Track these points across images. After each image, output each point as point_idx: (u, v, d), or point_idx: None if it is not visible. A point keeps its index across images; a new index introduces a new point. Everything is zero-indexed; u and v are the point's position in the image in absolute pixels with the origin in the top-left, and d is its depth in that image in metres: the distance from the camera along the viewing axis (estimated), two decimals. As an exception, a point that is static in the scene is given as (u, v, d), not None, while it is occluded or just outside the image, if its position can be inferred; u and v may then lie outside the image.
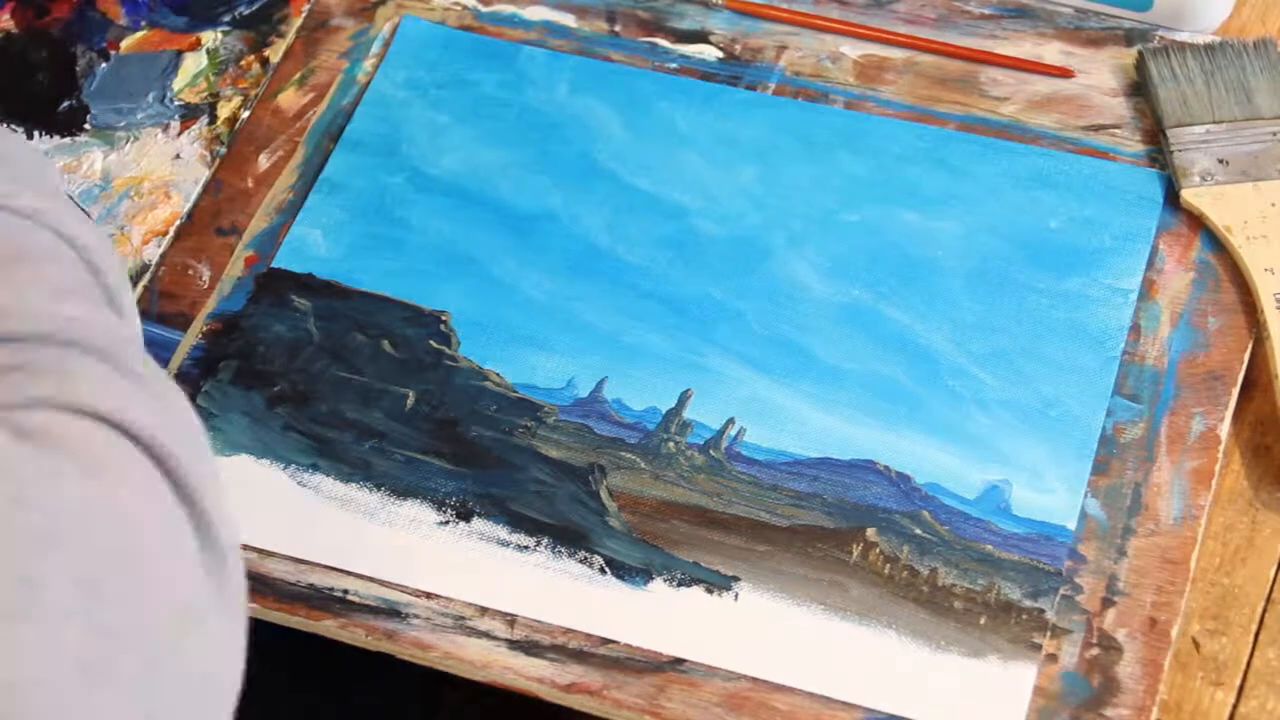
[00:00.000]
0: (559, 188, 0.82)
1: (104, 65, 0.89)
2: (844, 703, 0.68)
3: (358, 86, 0.87)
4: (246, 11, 0.90)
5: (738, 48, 0.86)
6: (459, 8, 0.89)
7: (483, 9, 0.88)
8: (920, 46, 0.85)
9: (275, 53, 0.88)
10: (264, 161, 0.85)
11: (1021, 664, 0.68)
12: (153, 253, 0.83)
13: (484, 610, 0.72)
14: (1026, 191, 0.80)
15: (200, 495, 0.51)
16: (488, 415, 0.76)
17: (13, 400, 0.48)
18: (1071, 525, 0.71)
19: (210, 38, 0.89)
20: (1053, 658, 0.68)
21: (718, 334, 0.77)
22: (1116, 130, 0.81)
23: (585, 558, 0.72)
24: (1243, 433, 0.74)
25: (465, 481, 0.75)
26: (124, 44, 0.90)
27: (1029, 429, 0.73)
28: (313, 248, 0.82)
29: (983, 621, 0.69)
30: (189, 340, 0.80)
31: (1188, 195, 0.78)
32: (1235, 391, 0.74)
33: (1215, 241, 0.77)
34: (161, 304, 0.81)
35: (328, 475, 0.75)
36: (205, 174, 0.85)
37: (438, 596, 0.72)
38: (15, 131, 0.72)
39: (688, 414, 0.75)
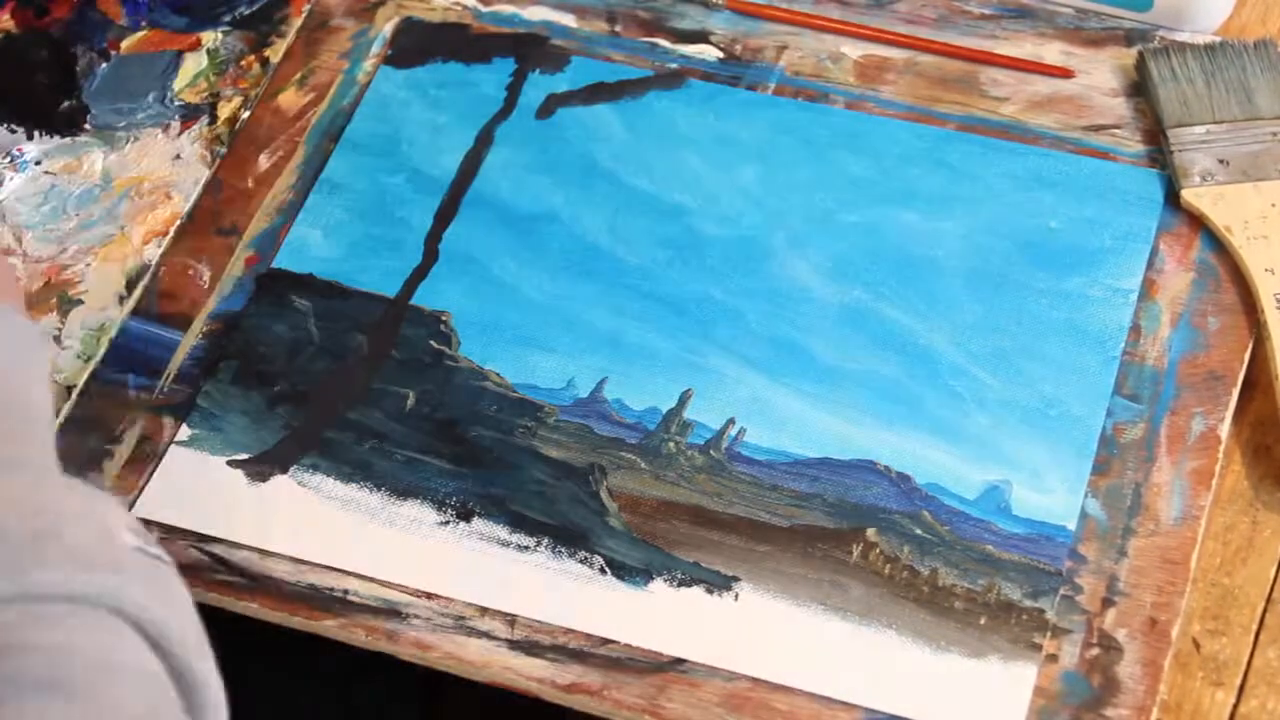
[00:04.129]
0: (559, 188, 0.82)
1: (104, 65, 0.89)
2: (844, 703, 0.68)
3: (358, 86, 0.87)
4: (247, 11, 0.90)
5: (738, 48, 0.86)
6: (459, 8, 0.89)
7: (483, 9, 0.89)
8: (920, 46, 0.85)
9: (275, 53, 0.88)
10: (264, 161, 0.85)
11: (1022, 664, 0.68)
12: (153, 253, 0.83)
13: (484, 610, 0.72)
14: (1026, 191, 0.80)
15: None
16: (488, 415, 0.76)
17: None
18: (1071, 525, 0.71)
19: (210, 38, 0.89)
20: (1053, 658, 0.68)
21: (718, 334, 0.77)
22: (1117, 130, 0.81)
23: (585, 558, 0.72)
24: (1243, 433, 0.74)
25: (465, 481, 0.75)
26: (124, 44, 0.90)
27: (1029, 429, 0.73)
28: (313, 248, 0.82)
29: (983, 621, 0.69)
30: (189, 340, 0.80)
31: (1188, 195, 0.78)
32: (1235, 391, 0.74)
33: (1215, 241, 0.77)
34: (162, 304, 0.81)
35: (328, 475, 0.75)
36: (205, 174, 0.85)
37: (438, 596, 0.72)
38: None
39: (688, 414, 0.75)
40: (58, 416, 0.78)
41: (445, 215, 0.82)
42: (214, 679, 0.57)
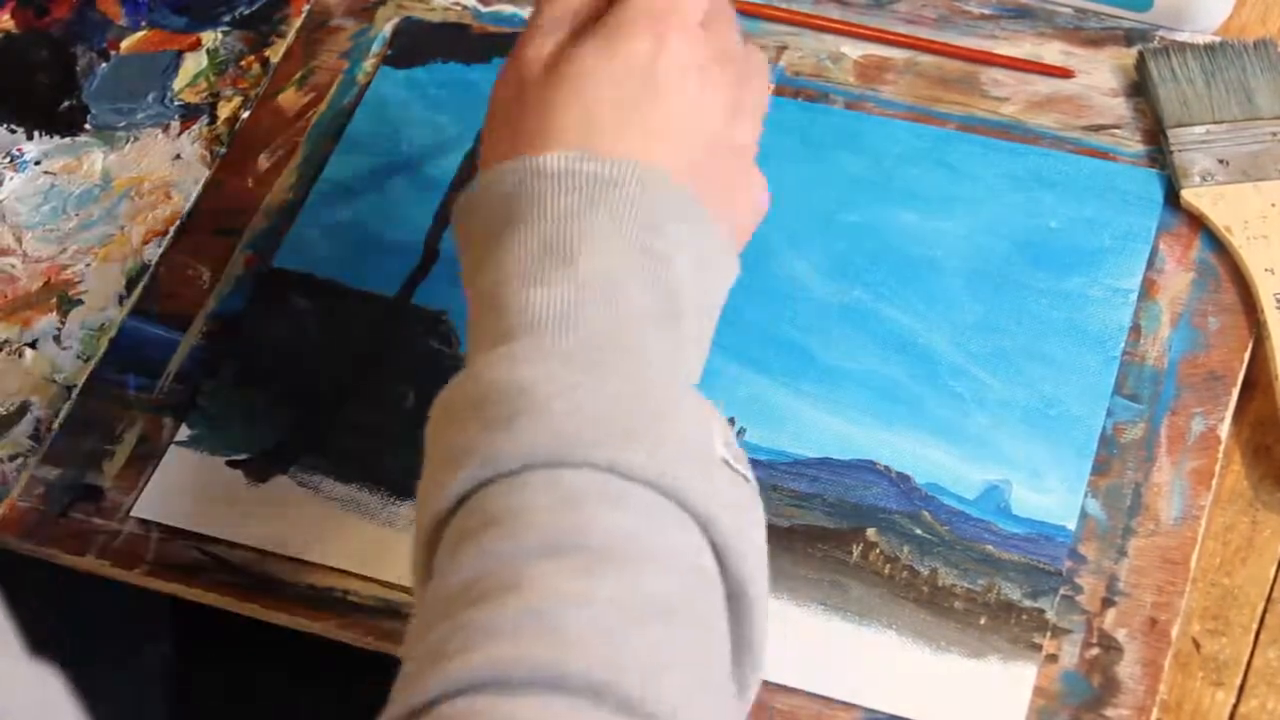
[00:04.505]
0: (559, 188, 0.82)
1: (104, 65, 0.89)
2: (844, 703, 0.68)
3: (358, 87, 0.87)
4: (247, 11, 0.90)
5: (738, 48, 0.85)
6: (459, 7, 0.89)
7: (483, 9, 0.88)
8: (920, 46, 0.85)
9: (275, 53, 0.88)
10: (264, 161, 0.85)
11: (1021, 664, 0.68)
12: (153, 253, 0.83)
13: (484, 610, 0.71)
14: (1026, 191, 0.80)
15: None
16: (488, 415, 0.76)
17: None
18: (1071, 525, 0.71)
19: (210, 38, 0.89)
20: (1053, 658, 0.68)
21: (718, 334, 0.77)
22: (1116, 130, 0.81)
23: (585, 558, 0.72)
24: (1243, 433, 0.74)
25: (465, 481, 0.74)
26: (124, 44, 0.90)
27: (1029, 429, 0.73)
28: (313, 248, 0.82)
29: (983, 621, 0.69)
30: (189, 340, 0.80)
31: (1188, 195, 0.78)
32: (1235, 391, 0.74)
33: (1215, 241, 0.77)
34: (161, 304, 0.81)
35: (328, 475, 0.75)
36: (205, 174, 0.85)
37: (438, 596, 0.72)
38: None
39: (688, 414, 0.75)
40: (57, 417, 0.78)
41: (445, 215, 0.82)
42: (764, 607, 0.57)
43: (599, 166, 0.61)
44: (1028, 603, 0.69)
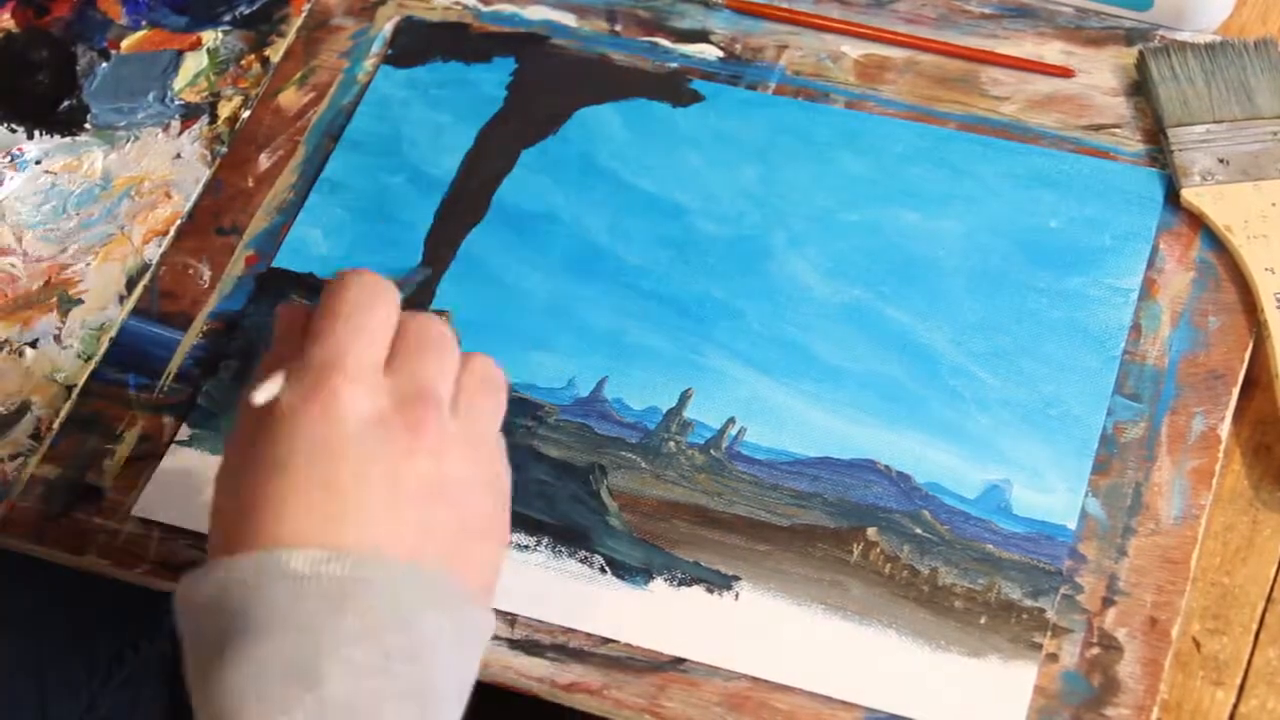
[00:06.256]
0: (559, 187, 0.82)
1: (104, 65, 0.89)
2: (844, 702, 0.68)
3: (358, 86, 0.87)
4: (247, 11, 0.90)
5: (738, 47, 0.86)
6: (459, 7, 0.89)
7: (483, 9, 0.89)
8: (920, 46, 0.85)
9: (276, 52, 0.88)
10: (264, 161, 0.85)
11: (1022, 663, 0.68)
12: (153, 252, 0.83)
13: (484, 610, 0.72)
14: (1027, 191, 0.80)
15: None
16: (488, 415, 0.76)
17: None
18: (1072, 525, 0.71)
19: (211, 37, 0.89)
20: (1053, 657, 0.68)
21: (718, 334, 0.77)
22: (1117, 130, 0.81)
23: (585, 557, 0.72)
24: (1243, 432, 0.74)
25: (465, 481, 0.74)
26: (124, 43, 0.90)
27: (1029, 429, 0.73)
28: (313, 247, 0.82)
29: (983, 621, 0.69)
30: (189, 340, 0.80)
31: (1188, 195, 0.78)
32: (1236, 391, 0.74)
33: (1215, 241, 0.77)
34: (162, 304, 0.81)
35: (328, 475, 0.75)
36: (206, 173, 0.85)
37: (438, 596, 0.72)
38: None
39: (688, 413, 0.75)
40: (58, 416, 0.78)
41: (446, 215, 0.82)
42: None
43: (342, 567, 0.55)
44: (1028, 602, 0.69)
